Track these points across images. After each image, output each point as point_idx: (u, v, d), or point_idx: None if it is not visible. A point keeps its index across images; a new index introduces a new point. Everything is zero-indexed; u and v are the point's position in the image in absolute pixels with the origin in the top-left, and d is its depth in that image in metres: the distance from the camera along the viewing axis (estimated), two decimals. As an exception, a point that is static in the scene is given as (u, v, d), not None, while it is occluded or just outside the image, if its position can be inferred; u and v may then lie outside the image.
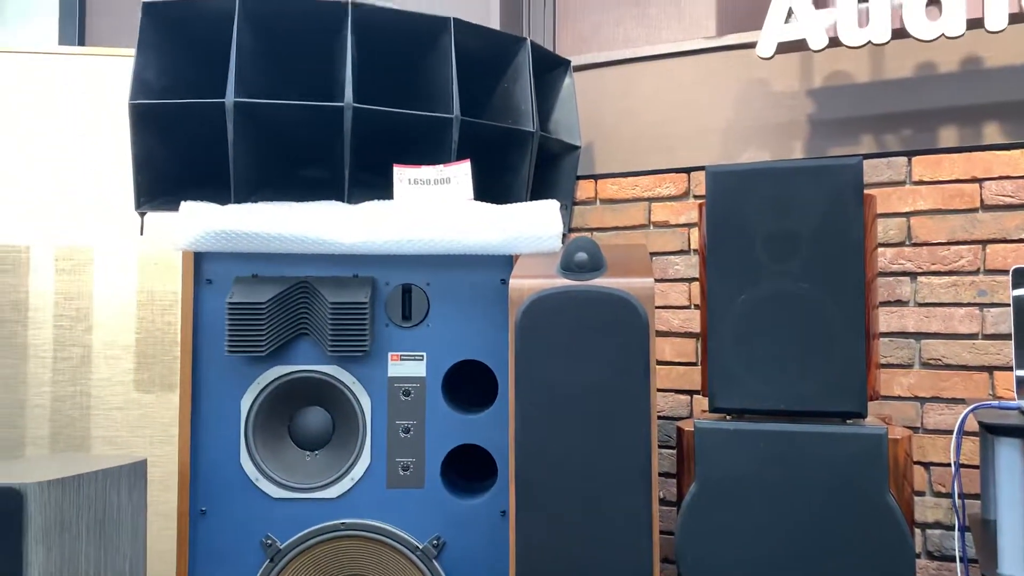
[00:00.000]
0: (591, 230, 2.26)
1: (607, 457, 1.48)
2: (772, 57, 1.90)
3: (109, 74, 2.21)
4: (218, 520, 1.67)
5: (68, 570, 1.42)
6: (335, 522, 1.64)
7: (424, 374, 1.69)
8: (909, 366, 1.91)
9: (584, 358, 1.49)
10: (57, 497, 1.39)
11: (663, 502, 2.12)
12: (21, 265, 2.18)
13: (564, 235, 1.69)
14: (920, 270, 1.92)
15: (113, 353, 2.16)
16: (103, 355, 2.17)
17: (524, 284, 1.52)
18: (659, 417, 2.16)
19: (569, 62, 2.18)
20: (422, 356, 1.69)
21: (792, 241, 1.49)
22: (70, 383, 2.16)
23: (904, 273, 1.93)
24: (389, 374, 1.69)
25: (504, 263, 1.69)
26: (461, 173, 1.79)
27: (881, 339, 1.94)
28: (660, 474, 2.13)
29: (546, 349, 1.50)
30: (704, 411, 1.93)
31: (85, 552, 1.46)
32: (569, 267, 1.53)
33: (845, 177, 1.47)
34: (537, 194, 2.06)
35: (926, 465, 1.89)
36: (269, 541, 1.64)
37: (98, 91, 2.21)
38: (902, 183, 1.95)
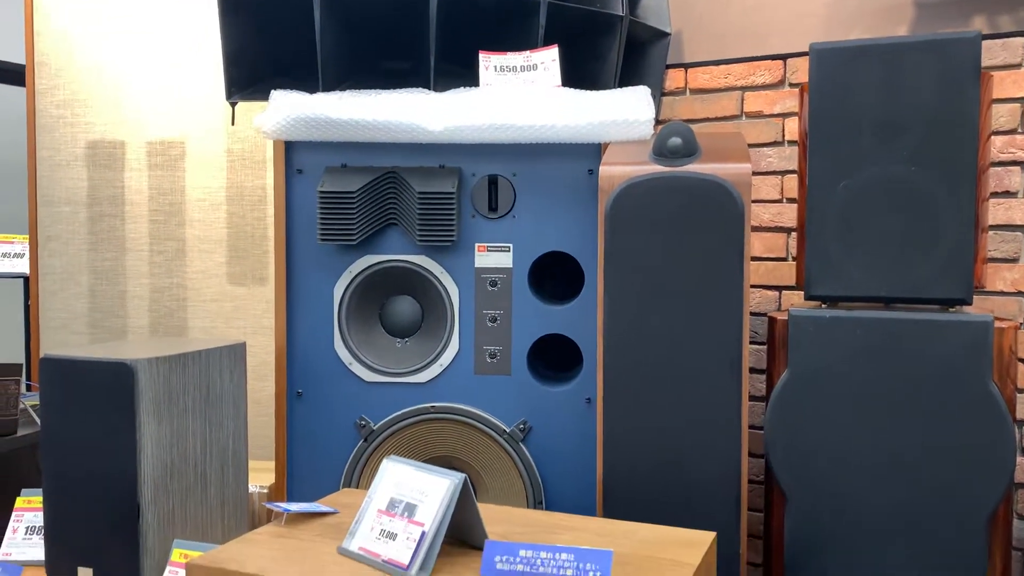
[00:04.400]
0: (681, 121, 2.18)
1: (697, 347, 1.46)
2: (881, -69, 1.78)
3: (193, -34, 2.20)
4: (314, 402, 1.73)
5: (178, 443, 1.50)
6: (425, 405, 1.68)
7: (511, 265, 1.69)
8: (1015, 260, 1.83)
9: (676, 247, 1.46)
10: (165, 373, 1.46)
11: (750, 397, 2.10)
12: (117, 160, 2.24)
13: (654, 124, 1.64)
14: (1033, 160, 1.81)
15: (206, 247, 2.23)
16: (197, 249, 2.23)
17: (615, 171, 1.49)
18: (745, 313, 2.12)
19: (659, -57, 2.07)
20: (508, 247, 1.69)
21: (901, 123, 1.41)
22: (166, 275, 2.24)
23: (1015, 163, 1.83)
24: (476, 264, 1.69)
25: (592, 153, 1.66)
26: (548, 59, 1.74)
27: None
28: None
29: (637, 237, 1.47)
30: (793, 306, 1.89)
31: (192, 427, 1.53)
32: (662, 152, 1.49)
33: (962, 53, 1.38)
34: (625, 83, 2.00)
35: (1027, 363, 1.83)
36: (363, 422, 1.70)
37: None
38: (1018, 66, 1.82)
